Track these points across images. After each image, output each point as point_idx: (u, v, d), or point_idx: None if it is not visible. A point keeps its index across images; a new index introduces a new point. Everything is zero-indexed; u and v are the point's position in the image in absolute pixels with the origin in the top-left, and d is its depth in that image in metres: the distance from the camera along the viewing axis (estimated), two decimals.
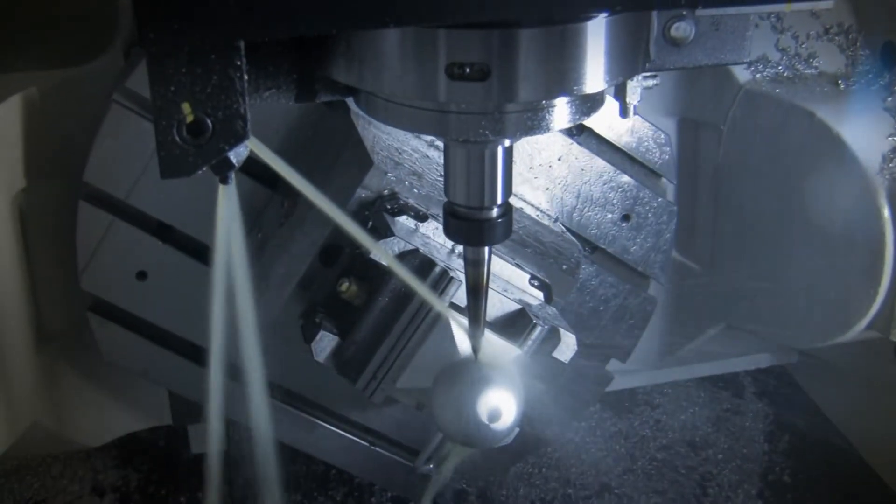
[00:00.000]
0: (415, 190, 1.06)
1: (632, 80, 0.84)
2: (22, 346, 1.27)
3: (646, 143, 1.25)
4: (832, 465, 1.54)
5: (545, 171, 1.21)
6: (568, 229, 1.24)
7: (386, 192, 1.04)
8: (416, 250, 0.98)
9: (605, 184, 1.23)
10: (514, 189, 1.21)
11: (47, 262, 1.31)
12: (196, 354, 1.24)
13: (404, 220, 1.02)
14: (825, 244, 1.30)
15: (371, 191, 1.04)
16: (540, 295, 1.09)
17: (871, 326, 1.27)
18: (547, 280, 1.08)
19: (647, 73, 0.80)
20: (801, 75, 1.42)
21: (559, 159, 1.19)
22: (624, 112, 0.80)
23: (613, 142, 1.23)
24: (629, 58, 0.71)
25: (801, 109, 1.30)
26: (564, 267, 1.13)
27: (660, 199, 1.26)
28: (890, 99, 1.32)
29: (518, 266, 1.09)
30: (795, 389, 1.70)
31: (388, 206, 1.02)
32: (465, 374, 0.84)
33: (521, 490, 1.50)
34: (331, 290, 1.03)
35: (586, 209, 1.24)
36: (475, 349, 0.84)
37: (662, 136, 1.26)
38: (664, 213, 1.27)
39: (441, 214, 1.03)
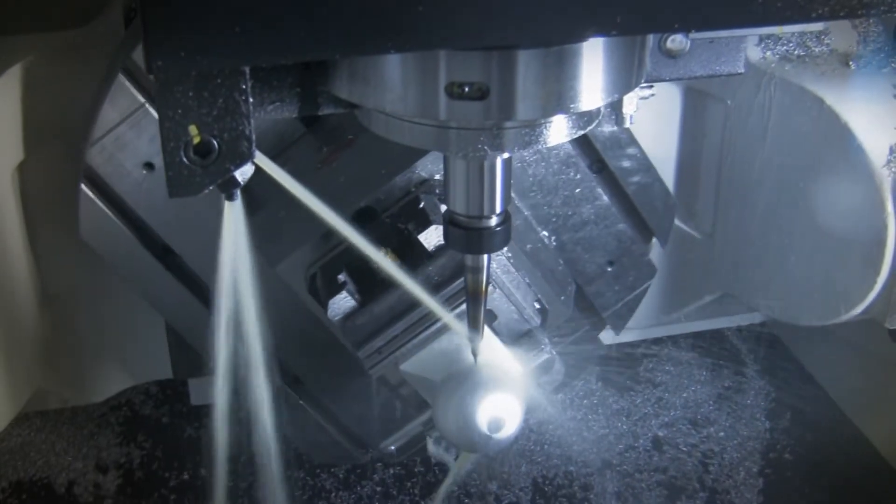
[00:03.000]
0: None
1: None
2: (26, 311, 1.34)
3: (654, 202, 1.31)
4: (833, 443, 1.61)
5: (561, 202, 1.26)
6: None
7: (438, 176, 1.08)
8: None
9: (605, 227, 1.29)
10: (529, 213, 1.27)
11: (48, 226, 1.37)
12: (171, 262, 1.28)
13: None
14: (827, 230, 1.34)
15: (425, 172, 1.09)
16: (538, 319, 1.14)
17: (868, 313, 1.33)
18: (547, 307, 1.13)
19: (644, 84, 0.85)
20: (812, 53, 1.46)
21: (577, 191, 1.25)
22: (620, 121, 0.85)
23: (625, 188, 1.28)
24: (625, 75, 0.76)
25: (811, 95, 1.33)
26: (563, 298, 1.19)
27: (645, 258, 1.32)
28: None
29: (529, 286, 1.14)
30: (797, 367, 1.77)
31: (437, 191, 1.06)
32: (467, 385, 0.90)
33: (522, 467, 1.57)
34: (360, 255, 1.06)
35: (580, 247, 1.30)
36: (474, 352, 0.91)
37: (672, 200, 1.32)
38: (644, 271, 1.34)
39: None
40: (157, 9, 0.63)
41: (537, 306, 1.13)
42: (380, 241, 1.05)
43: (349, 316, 1.08)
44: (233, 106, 0.69)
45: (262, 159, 0.75)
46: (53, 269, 1.41)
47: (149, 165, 1.21)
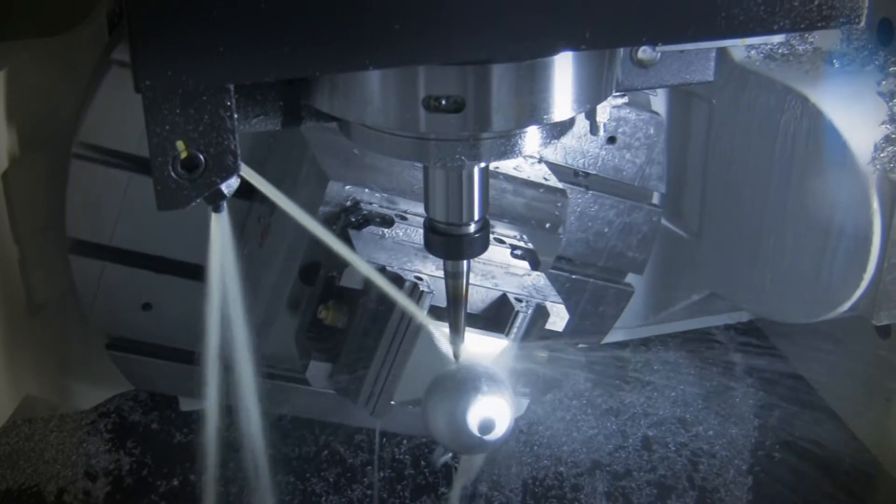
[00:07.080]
0: (377, 195, 1.13)
1: None
2: (14, 319, 1.37)
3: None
4: (821, 440, 1.66)
5: None
6: (555, 164, 1.30)
7: (348, 203, 1.10)
8: (383, 268, 1.04)
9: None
10: None
11: (33, 232, 1.40)
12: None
13: (371, 231, 1.08)
14: (813, 228, 1.39)
15: (333, 205, 1.10)
16: (525, 265, 1.15)
17: (854, 309, 1.38)
18: (530, 245, 1.15)
19: (616, 94, 0.90)
20: (795, 52, 1.51)
21: None
22: (594, 130, 0.90)
23: None
24: (596, 86, 0.81)
25: (795, 92, 1.37)
26: (548, 225, 1.19)
27: (644, 115, 1.30)
28: (884, 82, 1.39)
29: (499, 241, 1.15)
30: (785, 364, 1.83)
31: (353, 220, 1.09)
32: (451, 390, 0.93)
33: (512, 468, 1.61)
34: (314, 316, 1.10)
35: (567, 141, 1.29)
36: (456, 356, 0.96)
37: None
38: (651, 127, 1.33)
39: (408, 210, 1.12)
40: (145, 30, 0.68)
41: (518, 254, 1.13)
42: (323, 297, 1.09)
43: (332, 376, 1.10)
44: (218, 121, 0.74)
45: (248, 172, 0.80)
46: (41, 277, 1.45)
47: (146, 306, 1.30)
